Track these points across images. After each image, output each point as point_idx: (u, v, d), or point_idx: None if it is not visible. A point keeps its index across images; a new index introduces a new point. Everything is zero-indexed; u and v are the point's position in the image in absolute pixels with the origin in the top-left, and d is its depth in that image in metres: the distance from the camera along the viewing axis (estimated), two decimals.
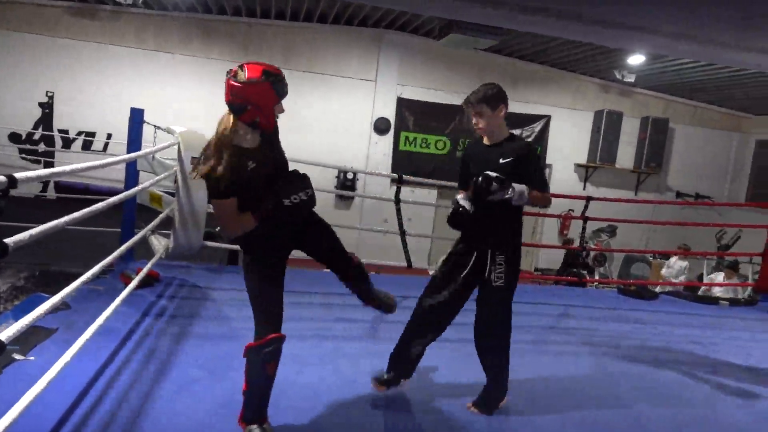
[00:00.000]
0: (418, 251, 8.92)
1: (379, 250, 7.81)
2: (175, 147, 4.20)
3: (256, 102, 2.09)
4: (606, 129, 10.54)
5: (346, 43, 10.08)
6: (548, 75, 10.64)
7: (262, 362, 2.22)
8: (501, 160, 2.60)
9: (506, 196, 2.53)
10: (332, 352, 3.40)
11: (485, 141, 2.74)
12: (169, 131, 4.42)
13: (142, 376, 2.76)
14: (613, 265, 10.17)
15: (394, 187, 5.48)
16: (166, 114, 7.93)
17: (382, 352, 2.96)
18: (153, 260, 4.00)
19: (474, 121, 2.66)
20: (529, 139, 9.83)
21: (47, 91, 9.22)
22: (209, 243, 4.77)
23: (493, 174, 2.53)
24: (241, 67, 2.10)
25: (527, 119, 10.55)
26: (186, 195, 4.16)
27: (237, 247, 5.74)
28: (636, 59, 8.58)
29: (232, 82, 2.07)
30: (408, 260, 5.43)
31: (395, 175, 5.57)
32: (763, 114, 10.91)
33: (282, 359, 2.30)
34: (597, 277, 9.14)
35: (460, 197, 2.71)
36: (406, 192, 7.83)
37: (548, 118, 10.76)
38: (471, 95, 2.65)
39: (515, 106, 9.02)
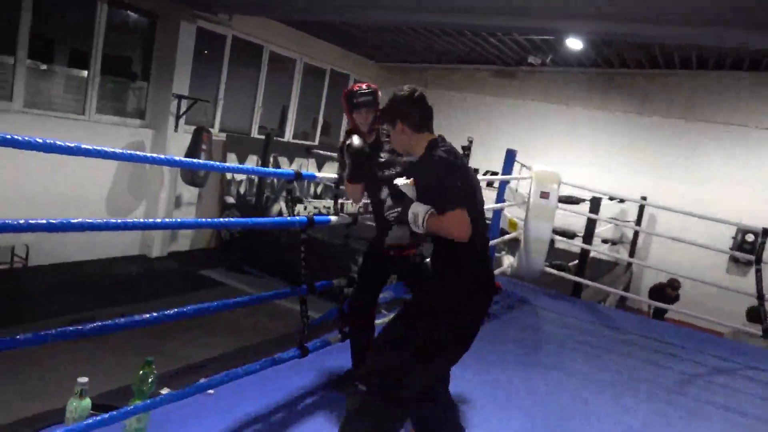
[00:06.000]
0: None
1: None
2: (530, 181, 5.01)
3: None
4: None
5: (761, 90, 9.00)
6: None
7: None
8: None
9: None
10: None
11: None
12: (528, 168, 5.26)
13: None
14: None
15: None
16: (556, 160, 8.88)
17: None
18: (497, 272, 4.88)
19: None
20: None
21: (468, 137, 11.40)
22: (551, 270, 5.36)
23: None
24: None
25: None
26: (532, 223, 4.91)
27: (582, 279, 6.07)
28: None
29: None
30: None
31: None
32: None
33: None
34: None
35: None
36: None
37: None
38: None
39: None
